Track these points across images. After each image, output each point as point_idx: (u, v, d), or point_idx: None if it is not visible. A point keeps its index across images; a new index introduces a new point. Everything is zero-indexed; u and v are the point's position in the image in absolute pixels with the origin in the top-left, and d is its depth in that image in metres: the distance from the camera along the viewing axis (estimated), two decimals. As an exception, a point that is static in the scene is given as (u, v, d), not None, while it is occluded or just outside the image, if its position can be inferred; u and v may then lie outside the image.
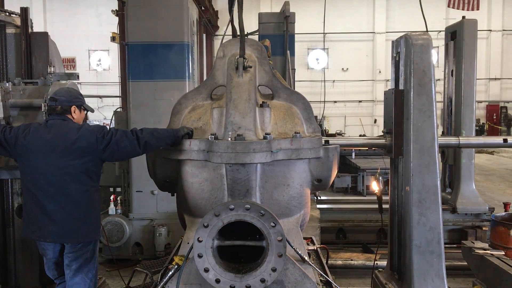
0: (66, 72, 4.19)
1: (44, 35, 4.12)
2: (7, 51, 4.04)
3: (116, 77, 19.34)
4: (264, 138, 2.86)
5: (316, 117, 3.53)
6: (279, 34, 9.03)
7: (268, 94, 3.26)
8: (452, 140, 3.47)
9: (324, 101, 11.98)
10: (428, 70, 3.16)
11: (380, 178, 3.57)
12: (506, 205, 6.75)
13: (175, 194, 3.36)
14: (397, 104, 3.24)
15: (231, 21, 3.59)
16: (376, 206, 7.42)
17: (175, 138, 2.93)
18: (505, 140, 3.35)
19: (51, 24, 22.91)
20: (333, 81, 23.62)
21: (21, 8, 3.95)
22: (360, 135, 15.17)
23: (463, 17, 7.02)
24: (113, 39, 11.92)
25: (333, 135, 12.41)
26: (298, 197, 3.11)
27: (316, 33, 21.63)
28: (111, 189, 6.92)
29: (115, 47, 15.95)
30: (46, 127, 3.12)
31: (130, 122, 6.28)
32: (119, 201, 6.48)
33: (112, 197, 6.44)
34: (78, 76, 4.08)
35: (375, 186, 3.65)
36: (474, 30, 6.82)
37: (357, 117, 23.80)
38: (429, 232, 3.15)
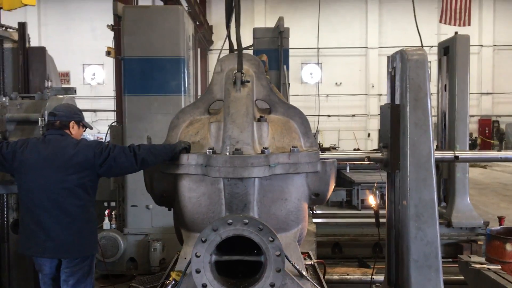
0: (63, 86, 4.19)
1: (42, 50, 4.13)
2: (4, 65, 4.05)
3: (110, 91, 19.37)
4: (262, 152, 2.87)
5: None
6: (274, 49, 9.12)
7: (265, 108, 3.27)
8: (448, 154, 3.49)
9: (319, 115, 12.04)
10: (424, 85, 3.19)
11: (377, 192, 3.57)
12: (500, 219, 6.78)
13: (172, 208, 3.35)
14: (393, 118, 3.27)
15: (228, 36, 3.62)
16: (372, 220, 7.48)
17: (173, 153, 2.94)
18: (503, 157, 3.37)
19: (45, 38, 22.93)
20: (327, 95, 23.75)
21: (19, 23, 3.97)
22: (354, 149, 15.18)
23: (456, 32, 7.11)
24: (108, 53, 11.91)
25: (327, 149, 12.44)
26: (295, 212, 3.10)
27: (310, 47, 21.81)
28: (106, 204, 6.88)
29: (109, 61, 15.99)
30: (44, 142, 3.12)
31: (125, 136, 6.28)
32: (113, 216, 6.43)
33: (106, 212, 6.40)
34: (75, 90, 4.08)
35: (372, 200, 3.66)
36: (467, 45, 6.92)
37: (350, 131, 23.88)
38: (426, 246, 3.15)
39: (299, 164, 2.98)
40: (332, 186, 3.22)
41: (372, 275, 4.34)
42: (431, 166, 3.19)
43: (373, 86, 24.48)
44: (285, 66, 8.14)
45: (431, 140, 3.20)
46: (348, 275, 5.99)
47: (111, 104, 15.93)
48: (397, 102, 3.32)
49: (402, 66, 3.25)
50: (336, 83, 24.44)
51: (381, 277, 5.90)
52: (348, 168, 12.35)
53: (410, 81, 3.18)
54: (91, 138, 13.70)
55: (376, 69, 24.35)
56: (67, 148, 3.04)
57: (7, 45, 4.06)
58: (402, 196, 3.26)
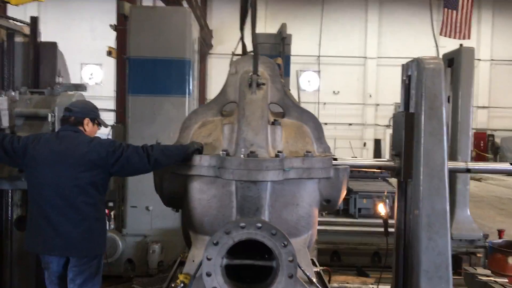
0: (73, 83, 4.15)
1: (53, 45, 4.08)
2: (14, 59, 3.99)
3: (108, 91, 19.28)
4: (276, 156, 2.83)
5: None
6: (275, 55, 9.12)
7: (278, 112, 3.24)
8: (461, 165, 3.47)
9: None
10: (439, 94, 3.18)
11: (387, 201, 3.54)
12: (500, 232, 6.78)
13: (180, 210, 3.31)
14: (407, 127, 3.24)
15: (242, 38, 3.60)
16: (371, 229, 7.45)
17: (185, 154, 2.90)
18: (514, 168, 3.36)
19: (44, 35, 22.44)
20: (324, 103, 23.76)
21: (31, 18, 3.92)
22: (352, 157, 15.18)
23: (461, 45, 7.14)
24: (109, 53, 11.87)
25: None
26: (307, 217, 3.07)
27: (309, 55, 21.86)
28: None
29: (108, 61, 15.90)
30: (57, 138, 3.07)
31: (128, 136, 6.22)
32: (112, 216, 6.36)
33: (106, 212, 6.31)
34: (85, 87, 4.03)
35: (381, 209, 3.63)
36: (472, 57, 6.95)
37: (347, 139, 23.89)
38: (437, 257, 3.12)
39: (313, 169, 2.95)
40: (344, 192, 3.20)
41: (378, 284, 4.26)
42: (444, 176, 3.17)
43: (370, 96, 24.56)
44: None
45: (445, 149, 3.18)
46: (347, 283, 5.95)
47: (109, 105, 15.81)
48: (411, 110, 3.29)
49: (418, 75, 3.23)
50: (334, 92, 24.49)
51: (381, 287, 5.89)
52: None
53: (426, 89, 3.17)
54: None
55: (374, 79, 24.44)
56: (80, 145, 2.99)
57: (18, 39, 4.01)
58: (414, 205, 3.23)
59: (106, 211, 6.34)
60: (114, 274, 6.20)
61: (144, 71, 6.15)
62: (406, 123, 3.25)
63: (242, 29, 3.52)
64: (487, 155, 24.15)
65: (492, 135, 25.06)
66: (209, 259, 2.61)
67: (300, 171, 2.91)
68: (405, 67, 3.45)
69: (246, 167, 2.73)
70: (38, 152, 2.99)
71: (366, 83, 24.72)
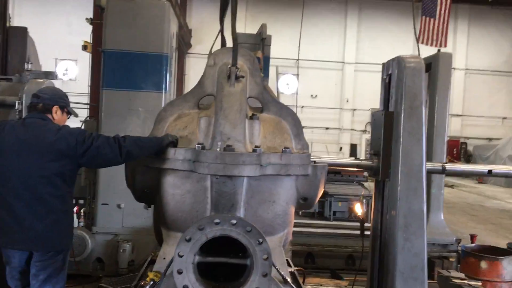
0: (43, 70, 3.97)
1: (23, 30, 3.90)
2: None
3: (82, 87, 18.85)
4: (254, 151, 2.75)
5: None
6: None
7: (257, 107, 3.15)
8: (437, 165, 3.45)
9: None
10: (419, 94, 3.15)
11: (364, 201, 3.49)
12: (473, 237, 6.84)
13: (153, 206, 3.19)
14: (386, 126, 3.21)
15: (221, 30, 3.51)
16: (345, 231, 7.43)
17: (159, 147, 2.79)
18: (489, 172, 3.36)
19: (18, 29, 22.24)
20: (302, 106, 23.79)
21: (0, 0, 3.73)
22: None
23: (439, 50, 7.19)
24: (84, 47, 11.58)
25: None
26: (283, 215, 2.99)
27: (289, 58, 21.86)
28: (74, 201, 6.59)
29: (83, 57, 15.55)
30: (23, 125, 2.91)
31: (100, 131, 6.03)
32: (82, 214, 6.17)
33: (75, 209, 6.12)
34: (56, 76, 3.86)
35: (358, 209, 3.58)
36: (449, 63, 7.00)
37: (323, 143, 24.02)
38: (413, 258, 3.09)
39: (290, 166, 2.87)
40: (321, 191, 3.13)
41: (353, 286, 4.20)
42: (422, 176, 3.14)
43: (347, 101, 24.74)
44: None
45: (423, 149, 3.15)
46: (321, 285, 5.90)
47: (83, 101, 15.50)
48: (391, 109, 3.26)
49: (398, 73, 3.20)
50: (311, 95, 24.57)
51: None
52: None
53: (406, 88, 3.13)
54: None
55: (351, 84, 24.63)
56: (47, 134, 2.84)
57: (-15, 23, 3.82)
58: (391, 205, 3.19)
59: (76, 208, 6.19)
60: (82, 273, 6.00)
61: (119, 65, 5.99)
62: (386, 122, 3.21)
63: (222, 21, 3.43)
64: (459, 162, 24.57)
65: (465, 143, 25.56)
66: (180, 256, 2.51)
67: (278, 167, 2.83)
68: (386, 66, 3.41)
69: (222, 161, 2.64)
70: (3, 140, 2.83)
71: (343, 88, 24.89)
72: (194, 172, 2.76)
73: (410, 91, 3.13)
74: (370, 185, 11.65)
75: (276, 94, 7.71)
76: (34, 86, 3.45)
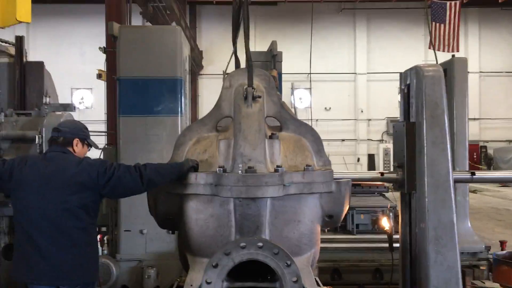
0: (61, 103, 4.01)
1: (39, 64, 3.95)
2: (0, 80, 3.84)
3: (99, 115, 19.14)
4: (276, 171, 2.71)
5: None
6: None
7: (275, 126, 3.12)
8: (465, 174, 3.36)
9: None
10: (440, 102, 3.09)
11: (391, 214, 3.41)
12: (502, 243, 6.65)
13: (176, 232, 3.16)
14: (409, 137, 3.15)
15: (235, 52, 3.50)
16: (371, 245, 7.28)
17: (180, 173, 2.77)
18: (520, 176, 3.26)
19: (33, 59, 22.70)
20: (316, 120, 23.74)
21: (16, 37, 3.80)
22: (347, 174, 14.98)
23: (453, 55, 7.11)
24: (99, 76, 11.77)
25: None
26: (309, 234, 2.93)
27: (300, 73, 21.92)
28: (97, 229, 6.60)
29: (98, 85, 15.81)
30: (44, 159, 2.92)
31: (119, 158, 6.06)
32: (105, 241, 6.16)
33: (98, 237, 6.12)
34: (74, 107, 3.90)
35: (385, 223, 3.49)
36: (465, 68, 6.89)
37: (340, 155, 23.85)
38: (446, 271, 2.99)
39: (314, 184, 2.83)
40: (346, 207, 3.07)
41: None
42: (450, 186, 3.06)
43: (362, 111, 24.61)
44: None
45: (449, 159, 3.08)
46: (350, 302, 5.77)
47: (100, 128, 15.68)
48: (412, 119, 3.20)
49: (417, 83, 3.15)
50: (325, 108, 24.53)
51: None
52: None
53: (426, 97, 3.08)
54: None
55: (364, 94, 24.54)
56: (69, 167, 2.84)
57: (3, 59, 3.87)
58: (420, 218, 3.11)
59: (99, 236, 6.19)
60: (108, 302, 5.97)
61: (135, 91, 6.02)
62: (408, 133, 3.15)
63: (234, 43, 3.43)
64: (480, 166, 24.17)
65: (485, 147, 25.15)
66: (208, 283, 2.47)
67: (301, 186, 2.79)
68: (403, 76, 3.36)
69: (244, 183, 2.61)
70: (25, 175, 2.84)
71: (357, 99, 24.80)
72: (217, 196, 2.73)
73: (430, 100, 3.08)
74: (391, 195, 11.50)
75: (293, 111, 7.69)
76: (53, 119, 3.47)
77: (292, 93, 23.55)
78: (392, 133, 19.90)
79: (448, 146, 3.08)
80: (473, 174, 3.27)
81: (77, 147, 3.01)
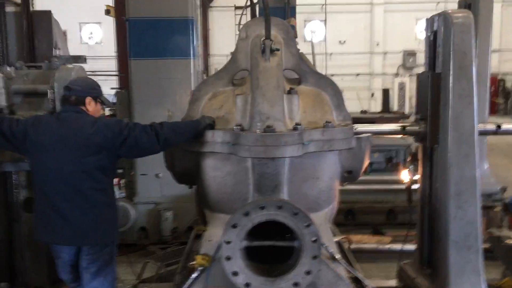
0: (72, 55, 3.87)
1: (47, 14, 3.77)
2: (7, 32, 3.66)
3: (109, 51, 18.81)
4: (294, 129, 2.63)
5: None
6: (280, 7, 8.67)
7: (294, 78, 2.99)
8: (490, 127, 3.23)
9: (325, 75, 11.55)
10: (469, 52, 2.91)
11: (411, 167, 3.34)
12: (518, 185, 6.60)
13: (194, 187, 3.14)
14: (433, 89, 3.00)
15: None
16: (385, 186, 7.28)
17: (197, 131, 2.70)
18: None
19: (40, -5, 22.14)
20: (330, 54, 23.17)
21: (22, -16, 3.59)
22: (361, 111, 14.78)
23: (479, -12, 6.71)
24: (107, 12, 11.41)
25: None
26: (327, 191, 2.90)
27: (314, 4, 21.10)
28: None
29: (107, 20, 15.39)
30: (58, 120, 2.85)
31: (133, 103, 5.99)
32: (122, 185, 6.24)
33: (116, 180, 6.19)
34: (85, 59, 3.77)
35: (405, 176, 3.43)
36: (490, 2, 6.54)
37: (354, 91, 23.48)
38: (466, 226, 2.96)
39: (334, 141, 2.75)
40: (366, 162, 3.01)
41: (400, 255, 4.02)
42: (474, 141, 2.96)
43: (377, 44, 23.87)
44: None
45: (475, 113, 2.95)
46: (364, 243, 5.86)
47: (110, 64, 15.46)
48: (437, 70, 3.04)
49: (445, 31, 2.95)
50: (340, 41, 23.81)
51: (397, 246, 5.79)
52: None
53: (454, 47, 2.90)
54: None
55: (381, 26, 23.66)
56: (84, 128, 2.78)
57: (9, 8, 3.68)
58: (441, 173, 3.04)
59: (116, 179, 6.25)
60: (127, 243, 6.13)
61: (145, 33, 5.82)
62: (433, 84, 3.01)
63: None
64: (497, 100, 23.71)
65: (503, 80, 24.50)
66: (228, 243, 2.47)
67: (320, 143, 2.71)
68: (430, 22, 3.16)
69: (263, 143, 2.54)
70: (39, 137, 2.79)
71: (373, 31, 23.96)
72: (234, 155, 2.67)
73: (458, 49, 2.90)
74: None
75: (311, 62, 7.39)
76: (64, 73, 3.35)
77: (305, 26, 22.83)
78: (406, 66, 19.26)
79: (475, 99, 2.94)
80: (498, 127, 3.15)
81: (90, 106, 2.93)
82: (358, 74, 23.95)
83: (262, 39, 2.76)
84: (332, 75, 23.96)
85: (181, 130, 2.75)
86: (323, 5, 22.42)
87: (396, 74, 23.64)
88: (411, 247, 3.80)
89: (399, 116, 12.33)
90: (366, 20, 24.02)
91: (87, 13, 22.52)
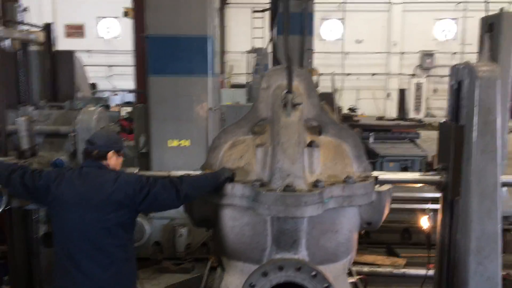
0: (94, 97, 3.89)
1: (69, 54, 3.78)
2: (31, 70, 3.67)
3: (126, 45, 18.85)
4: (315, 186, 2.61)
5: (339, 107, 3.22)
6: (298, 13, 8.61)
7: (315, 126, 2.97)
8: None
9: (334, 74, 11.31)
10: (493, 108, 2.86)
11: (431, 213, 3.31)
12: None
13: (211, 232, 3.15)
14: (457, 141, 2.96)
15: (272, 39, 3.27)
16: (401, 205, 7.22)
17: (216, 184, 2.69)
18: None
19: (58, -11, 22.25)
20: (347, 53, 23.00)
21: (45, 24, 3.58)
22: (377, 118, 14.57)
23: (501, 9, 6.58)
24: (125, 14, 11.41)
25: (349, 117, 11.99)
26: (346, 243, 2.88)
27: (332, 2, 20.91)
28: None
29: (125, 16, 15.38)
30: (80, 175, 2.87)
31: (150, 118, 6.01)
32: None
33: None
34: (106, 100, 3.77)
35: (424, 223, 3.40)
36: (514, 22, 6.40)
37: (369, 90, 23.30)
38: (486, 282, 2.93)
39: (354, 197, 2.73)
40: (386, 214, 2.99)
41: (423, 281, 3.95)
42: (497, 197, 2.91)
43: (395, 44, 23.59)
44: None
45: (498, 168, 2.90)
46: (378, 265, 5.84)
47: (127, 59, 15.45)
48: (461, 122, 2.99)
49: (470, 84, 2.90)
50: (357, 40, 23.57)
51: (411, 271, 5.77)
52: (372, 138, 11.91)
53: (479, 102, 2.84)
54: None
55: (399, 26, 23.35)
56: (105, 185, 2.80)
57: (33, 47, 3.68)
58: (462, 225, 3.00)
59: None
60: (142, 257, 6.18)
61: (163, 50, 5.82)
62: (456, 137, 2.96)
63: (272, 29, 3.18)
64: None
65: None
66: (246, 302, 2.48)
67: (340, 199, 2.70)
68: (454, 71, 3.10)
69: (283, 203, 2.52)
70: (61, 193, 2.81)
71: (391, 31, 23.65)
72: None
73: (483, 105, 2.85)
74: (422, 143, 11.19)
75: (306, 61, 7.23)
76: (86, 116, 3.37)
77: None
78: (423, 66, 18.87)
79: (499, 154, 2.89)
80: (523, 181, 3.09)
81: (112, 160, 2.95)
82: (374, 74, 23.72)
83: (283, 92, 2.74)
84: (348, 74, 23.81)
85: (200, 184, 2.75)
86: (340, 3, 22.38)
87: (413, 75, 23.35)
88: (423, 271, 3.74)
89: (415, 124, 12.20)
90: (383, 19, 23.72)
91: (105, 8, 22.59)
